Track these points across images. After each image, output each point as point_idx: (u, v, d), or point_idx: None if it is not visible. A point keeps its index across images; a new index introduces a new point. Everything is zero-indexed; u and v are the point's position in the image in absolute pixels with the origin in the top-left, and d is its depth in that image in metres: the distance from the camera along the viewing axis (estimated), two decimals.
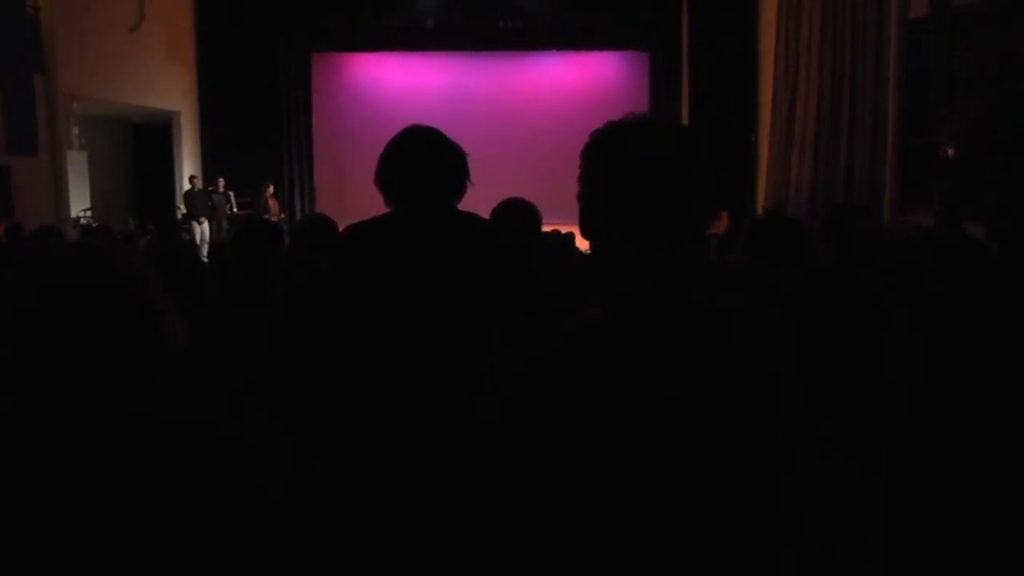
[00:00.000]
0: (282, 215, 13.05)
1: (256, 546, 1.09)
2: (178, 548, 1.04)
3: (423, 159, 2.04)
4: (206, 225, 12.62)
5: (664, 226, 1.15)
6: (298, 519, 1.14)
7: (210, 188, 12.98)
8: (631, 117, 1.20)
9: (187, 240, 11.38)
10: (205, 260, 7.38)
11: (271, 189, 13.03)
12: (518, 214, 3.20)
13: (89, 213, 12.28)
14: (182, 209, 12.98)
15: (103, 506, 1.03)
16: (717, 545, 1.16)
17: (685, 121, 12.00)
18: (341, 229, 3.40)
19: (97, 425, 1.06)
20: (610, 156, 1.17)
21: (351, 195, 13.07)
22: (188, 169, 14.13)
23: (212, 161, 14.07)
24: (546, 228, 4.82)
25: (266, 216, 11.61)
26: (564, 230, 6.41)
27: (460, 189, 2.10)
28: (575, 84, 15.21)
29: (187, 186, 13.14)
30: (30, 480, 1.03)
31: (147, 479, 1.04)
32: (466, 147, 2.15)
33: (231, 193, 13.09)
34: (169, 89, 13.59)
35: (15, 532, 1.01)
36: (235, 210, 12.99)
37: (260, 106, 13.84)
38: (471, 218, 2.17)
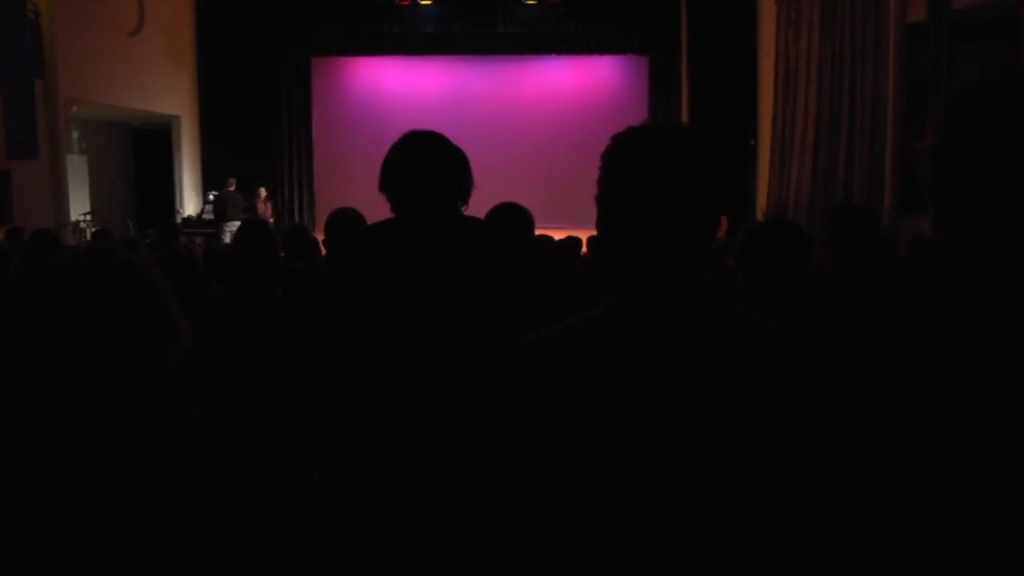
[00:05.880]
0: (271, 219, 13.02)
1: (268, 546, 1.09)
2: (194, 548, 1.04)
3: (426, 164, 2.04)
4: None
5: (669, 232, 1.16)
6: (307, 521, 1.15)
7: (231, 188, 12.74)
8: (647, 123, 1.23)
9: (185, 243, 11.31)
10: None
11: (263, 194, 13.01)
12: (511, 217, 3.21)
13: (89, 217, 12.27)
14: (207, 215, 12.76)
15: (118, 509, 1.03)
16: (716, 540, 1.17)
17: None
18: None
19: (114, 429, 1.07)
20: (619, 161, 1.18)
21: (351, 199, 13.02)
22: (188, 173, 14.13)
23: (212, 165, 14.07)
24: (551, 233, 4.85)
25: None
26: (563, 234, 6.41)
27: (463, 194, 2.10)
28: (574, 88, 15.23)
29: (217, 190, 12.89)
30: (52, 487, 1.03)
31: (165, 480, 1.05)
32: (465, 151, 2.15)
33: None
34: (169, 93, 13.60)
35: (38, 537, 1.02)
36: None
37: (260, 110, 13.86)
38: (474, 223, 2.17)
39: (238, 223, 11.45)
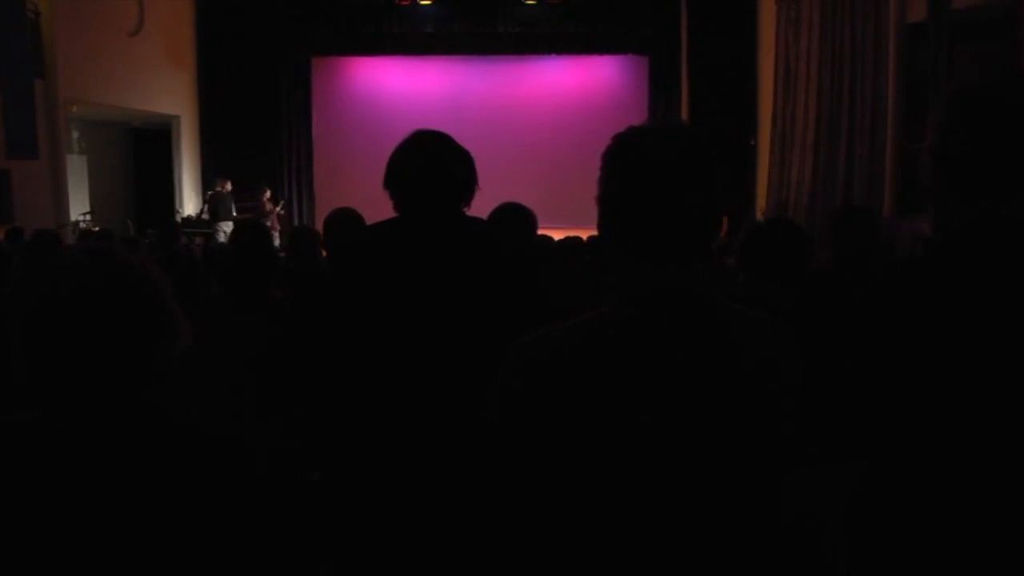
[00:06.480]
0: (279, 210, 13.12)
1: (267, 546, 1.10)
2: (193, 548, 1.05)
3: (431, 164, 2.05)
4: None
5: (669, 232, 1.16)
6: (307, 521, 1.16)
7: (219, 188, 12.87)
8: (647, 123, 1.23)
9: (185, 244, 11.32)
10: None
11: (267, 194, 13.04)
12: (513, 218, 3.22)
13: (89, 217, 12.28)
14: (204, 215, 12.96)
15: (118, 509, 1.03)
16: (717, 541, 1.17)
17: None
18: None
19: (114, 429, 1.07)
20: (620, 161, 1.19)
21: (351, 199, 13.00)
22: (188, 173, 14.14)
23: (212, 165, 14.09)
24: (551, 233, 4.85)
25: (263, 220, 11.57)
26: (563, 234, 6.41)
27: (467, 195, 2.11)
28: (574, 88, 15.23)
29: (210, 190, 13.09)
30: (52, 487, 1.03)
31: (164, 480, 1.05)
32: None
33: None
34: (169, 93, 13.60)
35: (37, 537, 1.02)
36: (234, 214, 12.98)
37: (260, 110, 13.86)
38: (476, 224, 2.18)
39: (230, 223, 11.75)
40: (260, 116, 13.87)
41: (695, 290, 1.18)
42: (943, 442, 1.22)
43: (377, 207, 2.15)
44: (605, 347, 1.16)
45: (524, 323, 1.37)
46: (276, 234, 11.75)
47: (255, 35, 13.51)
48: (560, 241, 5.24)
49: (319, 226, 4.62)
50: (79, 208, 12.37)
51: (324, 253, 4.17)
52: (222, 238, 11.59)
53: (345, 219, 3.64)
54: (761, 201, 11.93)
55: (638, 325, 1.16)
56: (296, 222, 13.45)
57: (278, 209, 13.13)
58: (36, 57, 10.46)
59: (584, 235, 5.74)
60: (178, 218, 13.02)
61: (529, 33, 13.78)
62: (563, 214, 10.80)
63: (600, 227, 1.22)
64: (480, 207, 2.39)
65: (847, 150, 9.69)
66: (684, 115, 13.05)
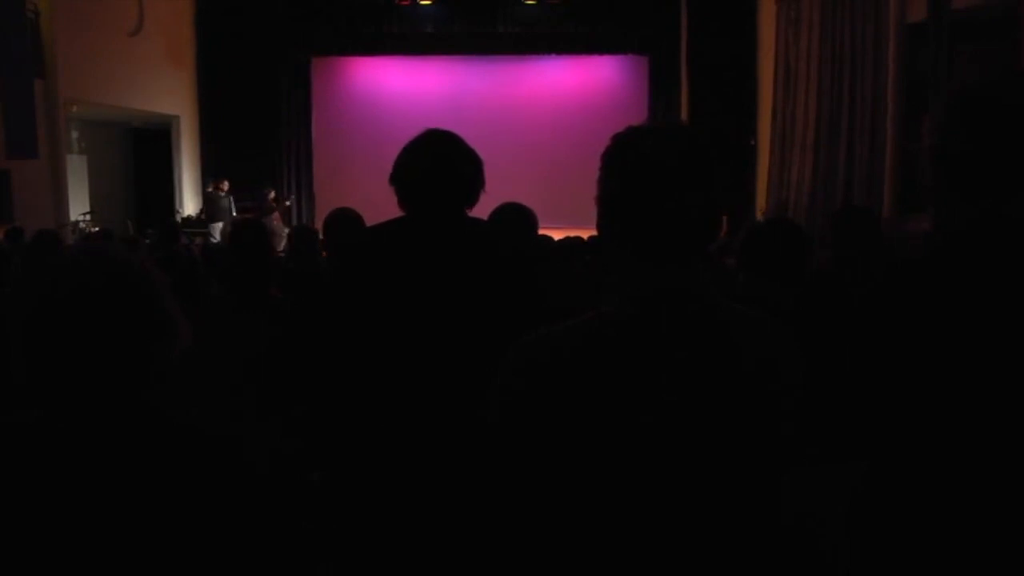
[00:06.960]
0: (288, 203, 13.19)
1: (266, 547, 1.10)
2: (192, 548, 1.05)
3: (439, 165, 2.05)
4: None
5: (669, 232, 1.16)
6: (306, 521, 1.16)
7: (210, 189, 12.96)
8: (647, 123, 1.24)
9: (185, 244, 11.33)
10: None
11: (272, 195, 13.06)
12: (514, 218, 3.22)
13: (89, 217, 12.29)
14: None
15: (117, 509, 1.04)
16: (717, 541, 1.17)
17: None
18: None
19: (114, 429, 1.07)
20: (620, 161, 1.19)
21: (350, 199, 12.98)
22: (188, 173, 14.15)
23: (212, 165, 14.10)
24: (551, 232, 4.85)
25: (267, 219, 11.61)
26: (563, 234, 6.41)
27: (473, 196, 2.10)
28: (574, 88, 15.24)
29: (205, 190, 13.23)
30: (51, 487, 1.04)
31: (164, 480, 1.05)
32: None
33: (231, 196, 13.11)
34: (169, 93, 13.61)
35: (37, 537, 1.02)
36: (234, 213, 12.99)
37: (260, 110, 13.87)
38: (477, 224, 2.18)
39: (220, 224, 11.89)
40: (260, 116, 13.88)
41: (695, 290, 1.18)
42: (943, 442, 1.22)
43: (377, 207, 2.15)
44: (605, 347, 1.16)
45: (524, 323, 1.37)
46: (285, 232, 11.79)
47: (255, 35, 13.51)
48: (560, 241, 5.24)
49: (319, 226, 4.64)
50: (79, 208, 12.37)
51: (324, 253, 4.17)
52: (217, 238, 11.69)
53: (345, 219, 3.65)
54: (761, 201, 11.93)
55: (638, 325, 1.17)
56: (296, 222, 13.45)
57: (286, 202, 13.21)
58: (36, 57, 10.46)
59: (584, 235, 5.75)
60: (178, 218, 13.04)
61: (529, 33, 13.79)
62: (563, 214, 10.79)
63: (600, 227, 1.22)
64: (480, 207, 2.40)
65: (847, 150, 9.69)
66: (684, 115, 13.05)
